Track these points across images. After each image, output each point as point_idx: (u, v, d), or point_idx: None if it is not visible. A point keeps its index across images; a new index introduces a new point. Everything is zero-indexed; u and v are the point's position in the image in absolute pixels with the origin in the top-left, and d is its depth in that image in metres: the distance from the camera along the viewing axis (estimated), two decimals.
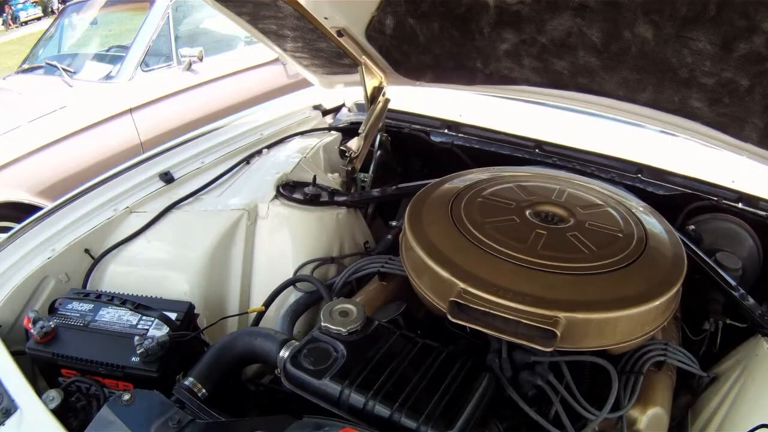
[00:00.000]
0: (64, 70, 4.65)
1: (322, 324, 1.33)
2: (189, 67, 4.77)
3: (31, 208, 3.17)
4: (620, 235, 1.63)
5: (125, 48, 4.77)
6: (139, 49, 4.59)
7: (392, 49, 2.35)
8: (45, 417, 1.42)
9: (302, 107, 2.87)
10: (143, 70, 4.59)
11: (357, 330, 1.32)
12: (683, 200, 2.19)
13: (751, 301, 1.78)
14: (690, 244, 1.86)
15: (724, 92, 1.86)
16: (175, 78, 4.71)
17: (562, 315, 1.26)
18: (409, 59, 2.38)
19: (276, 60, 5.17)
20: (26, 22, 47.16)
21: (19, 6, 50.78)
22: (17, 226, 2.01)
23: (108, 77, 4.57)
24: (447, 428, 1.15)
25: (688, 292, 1.82)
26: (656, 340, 1.59)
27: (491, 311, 1.27)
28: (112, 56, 4.90)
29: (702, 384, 1.66)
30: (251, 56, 5.20)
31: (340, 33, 2.23)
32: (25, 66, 5.41)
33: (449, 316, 1.29)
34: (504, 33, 1.97)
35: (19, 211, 3.57)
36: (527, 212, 1.62)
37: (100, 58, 5.01)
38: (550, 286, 1.36)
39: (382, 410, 1.14)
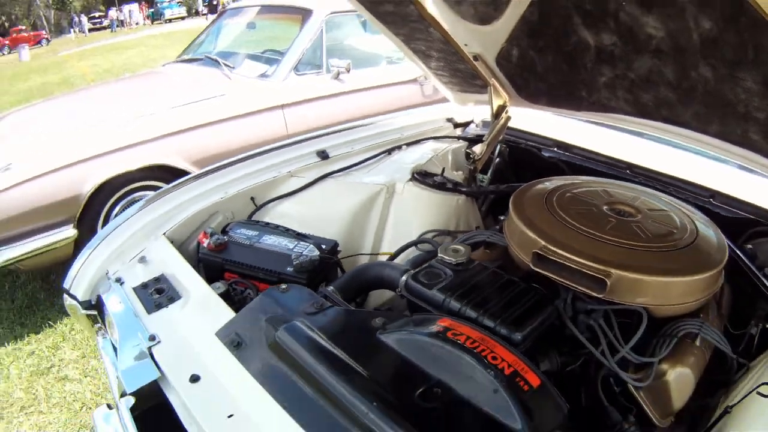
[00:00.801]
0: (224, 64, 5.39)
1: (438, 255, 1.85)
2: (337, 77, 5.37)
3: (184, 174, 3.82)
4: (675, 231, 1.95)
5: (280, 52, 5.48)
6: (294, 55, 5.27)
7: (516, 76, 2.75)
8: (212, 298, 1.88)
9: (437, 118, 3.41)
10: (296, 74, 5.25)
11: (462, 262, 1.83)
12: (746, 224, 2.38)
13: None
14: (744, 259, 2.14)
15: None
16: (323, 84, 5.34)
17: (613, 271, 1.66)
18: (529, 85, 2.75)
19: (414, 80, 5.75)
20: (170, 20, 49.89)
21: (165, 4, 53.64)
22: (201, 171, 2.63)
23: (264, 75, 5.29)
24: (516, 330, 1.58)
25: (738, 301, 2.18)
26: (695, 318, 1.87)
27: (562, 262, 1.71)
28: (267, 58, 5.63)
29: (734, 370, 1.88)
30: (392, 74, 5.75)
31: (476, 58, 2.66)
32: (185, 57, 6.29)
33: (531, 265, 1.75)
34: (602, 68, 2.30)
35: (171, 175, 4.18)
36: (604, 207, 2.04)
37: (255, 58, 5.75)
38: (609, 252, 1.77)
39: (471, 313, 1.63)
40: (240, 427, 1.46)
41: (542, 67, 2.58)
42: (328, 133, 2.98)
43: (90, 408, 3.50)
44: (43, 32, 43.07)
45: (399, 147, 3.02)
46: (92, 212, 4.28)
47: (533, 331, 1.63)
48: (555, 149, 2.96)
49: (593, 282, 1.69)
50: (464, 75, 2.97)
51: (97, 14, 52.70)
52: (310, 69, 5.44)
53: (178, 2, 55.22)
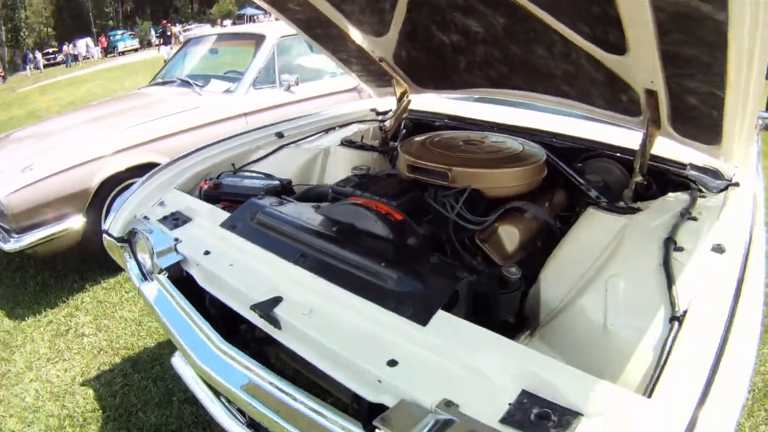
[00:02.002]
0: (195, 84, 6.41)
1: (351, 172, 2.96)
2: (288, 89, 6.41)
3: None
4: (506, 149, 2.82)
5: (240, 72, 6.47)
6: (252, 74, 6.31)
7: (409, 70, 3.61)
8: (214, 211, 2.74)
9: (364, 109, 4.37)
10: (255, 88, 6.28)
11: (364, 174, 2.93)
12: (581, 152, 3.15)
13: (594, 191, 2.69)
14: (567, 168, 2.88)
15: (569, 77, 2.74)
16: (277, 96, 6.38)
17: (454, 168, 2.56)
18: (418, 75, 3.63)
19: (352, 89, 6.71)
20: (123, 53, 49.90)
21: (118, 37, 53.77)
22: (194, 149, 3.47)
23: (228, 91, 6.32)
24: (392, 200, 2.47)
25: (570, 203, 2.93)
26: (523, 201, 2.58)
27: (424, 168, 2.66)
28: (230, 77, 6.61)
29: (557, 236, 2.46)
30: (334, 85, 6.78)
31: (381, 59, 3.52)
32: (159, 80, 7.24)
33: (407, 173, 2.75)
34: (459, 57, 3.12)
35: None
36: (460, 142, 2.95)
37: (220, 78, 6.73)
38: (453, 160, 2.66)
39: (366, 195, 2.56)
40: (239, 269, 2.32)
41: (423, 62, 3.42)
42: (283, 121, 3.97)
43: (107, 353, 4.26)
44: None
45: (334, 128, 4.02)
46: (96, 204, 5.13)
47: (403, 203, 2.53)
48: (446, 120, 3.85)
49: (441, 176, 2.63)
50: (377, 73, 3.85)
51: (50, 50, 52.68)
52: (265, 84, 6.44)
53: (130, 35, 55.67)
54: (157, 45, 42.00)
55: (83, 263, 5.65)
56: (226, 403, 2.55)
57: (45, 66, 45.87)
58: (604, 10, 2.01)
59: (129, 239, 2.95)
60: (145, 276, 2.81)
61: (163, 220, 2.85)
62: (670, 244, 2.09)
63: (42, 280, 5.56)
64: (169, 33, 29.62)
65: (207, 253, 2.50)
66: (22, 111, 18.36)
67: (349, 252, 2.19)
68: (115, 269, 5.46)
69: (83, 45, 51.04)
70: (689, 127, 2.63)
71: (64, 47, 48.76)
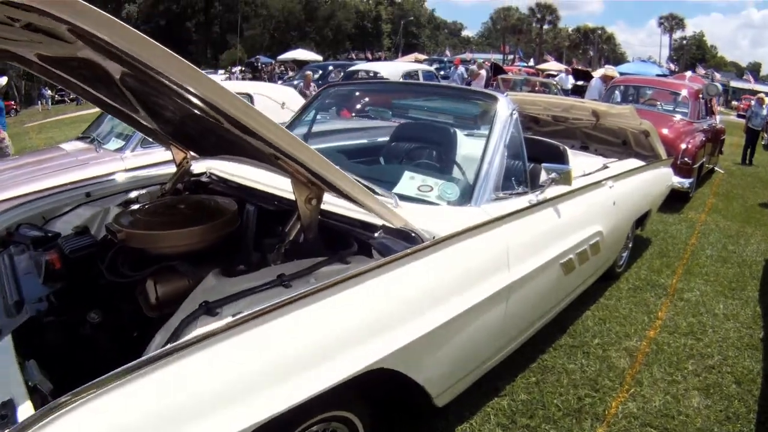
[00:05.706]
0: (98, 141, 7.62)
1: (72, 228, 3.78)
2: (169, 148, 7.25)
3: None
4: (211, 205, 3.36)
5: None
6: (139, 135, 7.30)
7: (181, 143, 4.16)
8: None
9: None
10: (142, 147, 7.42)
11: (79, 231, 3.55)
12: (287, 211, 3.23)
13: (254, 254, 3.17)
14: (252, 231, 3.40)
15: (229, 142, 2.87)
16: (160, 154, 6.90)
17: (125, 230, 2.91)
18: (188, 147, 4.19)
19: None
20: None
21: None
22: (25, 201, 4.30)
23: (119, 149, 7.45)
24: (72, 252, 2.95)
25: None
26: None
27: (112, 229, 3.04)
28: (127, 135, 7.66)
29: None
30: None
31: (156, 131, 4.04)
32: (79, 136, 8.52)
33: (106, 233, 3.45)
34: (180, 135, 3.82)
35: None
36: (164, 206, 3.38)
37: (119, 136, 7.84)
38: (133, 224, 3.07)
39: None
40: None
41: (184, 139, 4.05)
42: (95, 183, 4.79)
43: None
44: (13, 102, 42.46)
45: (146, 186, 4.62)
46: None
47: (80, 255, 3.02)
48: (216, 182, 4.40)
49: (115, 236, 2.99)
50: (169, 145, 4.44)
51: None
52: (153, 144, 7.24)
53: None
54: None
55: None
56: None
57: (58, 102, 46.97)
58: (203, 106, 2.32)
59: None
60: None
61: None
62: (203, 306, 2.33)
63: None
64: None
65: None
66: (14, 148, 18.17)
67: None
68: None
69: None
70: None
71: None
